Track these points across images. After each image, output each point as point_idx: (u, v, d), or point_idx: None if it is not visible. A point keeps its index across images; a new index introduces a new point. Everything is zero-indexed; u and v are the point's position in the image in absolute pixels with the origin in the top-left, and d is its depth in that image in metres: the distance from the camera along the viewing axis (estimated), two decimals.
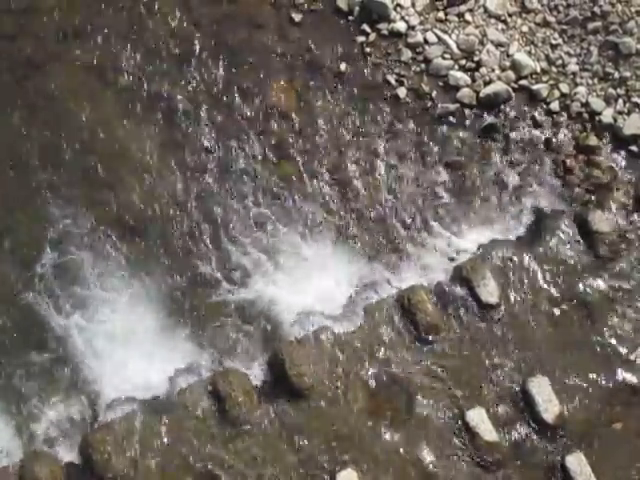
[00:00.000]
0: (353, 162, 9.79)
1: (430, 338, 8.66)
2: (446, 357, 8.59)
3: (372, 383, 8.42)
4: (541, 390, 8.42)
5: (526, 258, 9.11)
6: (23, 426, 8.21)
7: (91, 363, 8.53)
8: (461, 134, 9.97)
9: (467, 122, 10.03)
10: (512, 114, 10.04)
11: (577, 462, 8.15)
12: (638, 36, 10.08)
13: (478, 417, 8.28)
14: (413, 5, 10.49)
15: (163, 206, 9.35)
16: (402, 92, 10.13)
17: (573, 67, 10.11)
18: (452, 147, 9.91)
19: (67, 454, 8.03)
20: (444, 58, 10.24)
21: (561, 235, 9.25)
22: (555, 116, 9.99)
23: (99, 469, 7.81)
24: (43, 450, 8.02)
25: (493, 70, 10.11)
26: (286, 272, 9.09)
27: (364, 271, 9.15)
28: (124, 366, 8.45)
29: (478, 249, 9.29)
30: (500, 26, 10.34)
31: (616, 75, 9.98)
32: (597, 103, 9.94)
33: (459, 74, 10.14)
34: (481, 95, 10.05)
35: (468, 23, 10.36)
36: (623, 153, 9.78)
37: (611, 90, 9.96)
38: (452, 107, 10.06)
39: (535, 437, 8.35)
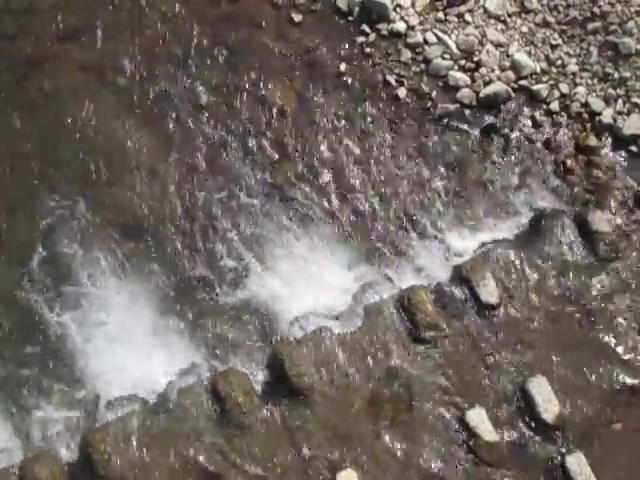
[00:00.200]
0: (353, 162, 9.80)
1: (430, 338, 8.65)
2: (446, 357, 8.59)
3: (372, 383, 8.42)
4: (541, 390, 8.41)
5: (526, 258, 9.10)
6: (22, 427, 8.21)
7: (90, 363, 8.53)
8: (461, 134, 9.98)
9: (467, 122, 10.03)
10: (512, 114, 10.04)
11: (577, 462, 8.14)
12: (638, 36, 10.08)
13: (478, 417, 8.27)
14: (413, 5, 10.50)
15: (162, 206, 9.36)
16: (402, 92, 10.13)
17: (573, 67, 10.11)
18: (452, 147, 9.91)
19: (67, 454, 8.03)
20: (444, 58, 10.24)
21: (561, 235, 9.25)
22: (555, 116, 10.00)
23: (99, 469, 7.80)
24: (43, 450, 8.01)
25: (493, 70, 10.12)
26: (286, 272, 9.09)
27: (364, 271, 9.15)
28: (124, 366, 8.44)
29: (478, 249, 9.29)
30: (500, 26, 10.34)
31: (616, 75, 9.99)
32: (597, 103, 9.94)
33: (459, 74, 10.14)
34: (481, 95, 10.05)
35: (468, 23, 10.36)
36: (623, 153, 9.78)
37: (611, 90, 9.96)
38: (452, 107, 10.06)
39: (535, 437, 8.34)
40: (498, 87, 10.04)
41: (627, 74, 9.97)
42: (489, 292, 8.86)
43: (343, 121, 10.00)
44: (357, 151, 9.85)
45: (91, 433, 8.00)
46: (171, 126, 9.84)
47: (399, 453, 8.13)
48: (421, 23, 10.39)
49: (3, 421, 8.18)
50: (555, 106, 10.02)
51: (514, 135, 9.96)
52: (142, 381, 8.41)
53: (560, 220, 9.36)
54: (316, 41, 10.41)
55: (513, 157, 9.89)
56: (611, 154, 9.81)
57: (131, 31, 10.36)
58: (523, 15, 10.42)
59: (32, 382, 8.42)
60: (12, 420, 8.20)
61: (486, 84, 10.08)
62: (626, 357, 8.73)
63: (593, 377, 8.62)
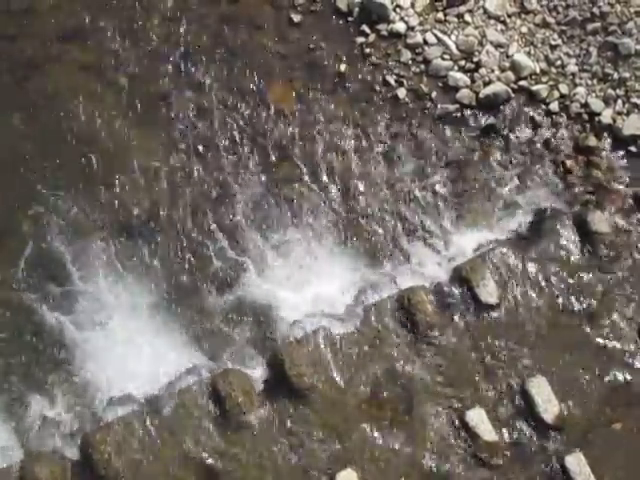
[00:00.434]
0: (353, 163, 9.80)
1: (430, 338, 8.66)
2: (446, 357, 8.59)
3: (372, 383, 8.42)
4: (541, 390, 8.42)
5: (526, 258, 9.11)
6: (23, 426, 8.22)
7: (91, 363, 8.54)
8: (461, 135, 9.98)
9: (467, 123, 10.03)
10: (511, 115, 10.04)
11: (577, 462, 8.16)
12: (637, 37, 10.08)
13: (478, 417, 8.28)
14: (412, 6, 10.50)
15: (163, 207, 9.37)
16: (402, 93, 10.14)
17: (572, 68, 10.12)
18: (452, 147, 9.91)
19: (67, 454, 8.04)
20: (443, 59, 10.24)
21: (560, 235, 9.25)
22: (554, 117, 10.00)
23: (99, 469, 7.82)
24: (43, 450, 8.03)
25: (492, 71, 10.12)
26: (286, 272, 9.10)
27: (364, 271, 9.16)
28: (124, 366, 8.46)
29: (477, 249, 9.30)
30: (499, 27, 10.35)
31: (615, 76, 10.00)
32: (596, 104, 9.95)
33: (458, 75, 10.15)
34: (480, 96, 10.06)
35: (467, 24, 10.36)
36: (622, 153, 9.79)
37: (610, 91, 9.97)
38: (452, 108, 10.07)
39: (534, 437, 8.35)
40: (498, 87, 10.04)
41: (626, 74, 9.98)
42: (489, 292, 8.86)
43: (343, 121, 10.00)
44: (356, 151, 9.85)
45: (91, 433, 8.01)
46: (170, 126, 9.85)
47: (399, 453, 8.14)
48: (421, 24, 10.40)
49: (3, 421, 8.18)
50: (555, 106, 10.03)
51: (514, 135, 9.97)
52: (142, 381, 8.41)
53: (560, 220, 9.36)
54: (316, 41, 10.41)
55: (513, 157, 9.89)
56: (611, 154, 9.81)
57: (131, 32, 10.36)
58: (523, 16, 10.43)
59: (32, 382, 8.42)
60: (12, 420, 8.21)
61: (486, 84, 10.08)
62: (625, 357, 8.73)
63: (593, 377, 8.62)
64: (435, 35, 10.31)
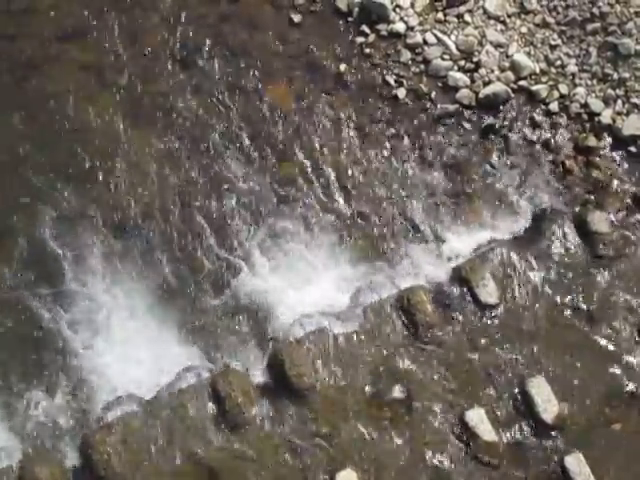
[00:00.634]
0: (353, 163, 9.80)
1: (429, 338, 8.66)
2: (445, 357, 8.59)
3: (371, 383, 8.42)
4: (540, 390, 8.42)
5: (525, 258, 9.11)
6: (22, 427, 8.21)
7: (90, 364, 8.53)
8: (460, 135, 9.98)
9: (466, 123, 10.03)
10: (511, 115, 10.04)
11: (576, 462, 8.15)
12: (637, 37, 10.09)
13: (477, 417, 8.28)
14: (412, 6, 10.51)
15: (163, 206, 9.36)
16: (401, 93, 10.14)
17: (572, 68, 10.12)
18: (451, 148, 9.91)
19: (67, 455, 8.04)
20: (443, 59, 10.25)
21: (560, 235, 9.26)
22: (554, 117, 10.00)
23: (99, 469, 7.81)
24: (43, 450, 8.02)
25: (492, 71, 10.12)
26: (286, 272, 9.10)
27: (364, 271, 9.15)
28: (124, 366, 8.45)
29: (477, 249, 9.29)
30: (499, 27, 10.35)
31: (615, 76, 10.00)
32: (596, 104, 9.95)
33: (458, 75, 10.15)
34: (480, 96, 10.06)
35: (467, 24, 10.37)
36: (622, 154, 9.79)
37: (610, 91, 9.97)
38: (451, 108, 10.07)
39: (534, 437, 8.35)
40: (497, 87, 10.05)
41: (626, 75, 9.98)
42: (488, 292, 8.87)
43: (342, 121, 10.00)
44: (356, 151, 9.85)
45: (91, 433, 8.00)
46: (170, 126, 9.85)
47: (398, 453, 8.14)
48: (421, 24, 10.40)
49: (3, 421, 8.18)
50: (554, 107, 10.03)
51: (513, 135, 9.97)
52: (142, 381, 8.40)
53: (559, 220, 9.37)
54: (316, 42, 10.42)
55: (512, 158, 9.89)
56: (610, 155, 9.81)
57: (130, 32, 10.36)
58: (522, 16, 10.43)
59: (31, 382, 8.41)
60: (12, 420, 8.20)
61: (485, 84, 10.09)
62: (625, 357, 8.73)
63: (592, 377, 8.62)
64: (435, 35, 10.32)
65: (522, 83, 10.10)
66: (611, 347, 8.77)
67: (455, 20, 10.41)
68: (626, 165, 9.76)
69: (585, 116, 9.96)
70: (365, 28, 10.46)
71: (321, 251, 9.24)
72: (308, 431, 8.15)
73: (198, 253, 9.16)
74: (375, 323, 8.70)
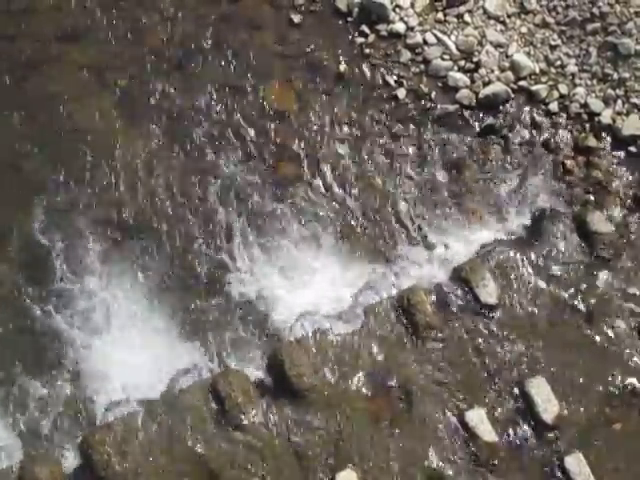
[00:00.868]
0: (352, 163, 9.81)
1: (429, 338, 8.65)
2: (445, 358, 8.59)
3: (372, 384, 8.42)
4: (540, 390, 8.41)
5: (525, 259, 9.11)
6: (22, 427, 8.21)
7: (90, 364, 8.53)
8: (460, 135, 9.98)
9: (466, 123, 10.04)
10: (511, 115, 10.05)
11: (576, 462, 8.14)
12: (637, 37, 10.08)
13: (477, 417, 8.27)
14: (412, 6, 10.51)
15: (163, 206, 9.37)
16: (401, 93, 10.14)
17: (572, 68, 10.12)
18: (451, 148, 9.92)
19: (67, 455, 8.04)
20: (443, 59, 10.25)
21: (560, 235, 9.26)
22: (554, 117, 10.00)
23: (99, 470, 7.80)
24: (43, 451, 8.03)
25: (492, 71, 10.12)
26: (286, 273, 9.10)
27: (364, 272, 9.15)
28: (124, 366, 8.45)
29: (477, 249, 9.30)
30: (499, 27, 10.36)
31: (615, 76, 10.00)
32: (596, 104, 9.95)
33: (458, 75, 10.15)
34: (480, 96, 10.06)
35: (467, 24, 10.37)
36: (622, 154, 9.80)
37: (610, 91, 9.97)
38: (451, 108, 10.07)
39: (534, 437, 8.34)
40: (497, 88, 10.05)
41: (626, 75, 9.98)
42: (488, 293, 8.86)
43: (343, 122, 10.00)
44: (356, 152, 9.85)
45: (91, 434, 7.99)
46: (170, 127, 9.85)
47: (398, 453, 8.13)
48: (420, 24, 10.40)
49: (3, 421, 8.18)
50: (554, 107, 10.03)
51: (513, 136, 9.97)
52: (142, 381, 8.40)
53: (559, 221, 9.36)
54: (316, 42, 10.42)
55: (512, 158, 9.90)
56: (610, 155, 9.81)
57: (130, 32, 10.36)
58: (522, 16, 10.44)
59: (31, 382, 8.41)
60: (12, 420, 8.20)
61: (485, 85, 10.09)
62: (625, 357, 8.73)
63: (592, 377, 8.62)
64: (435, 35, 10.32)
65: (522, 83, 10.11)
66: (611, 347, 8.77)
67: (455, 20, 10.41)
68: (626, 165, 9.76)
69: (585, 116, 9.96)
70: (365, 28, 10.46)
71: (321, 251, 9.24)
72: (308, 431, 8.15)
73: (198, 253, 9.16)
74: (375, 323, 8.70)
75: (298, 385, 8.26)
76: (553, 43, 10.27)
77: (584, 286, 9.03)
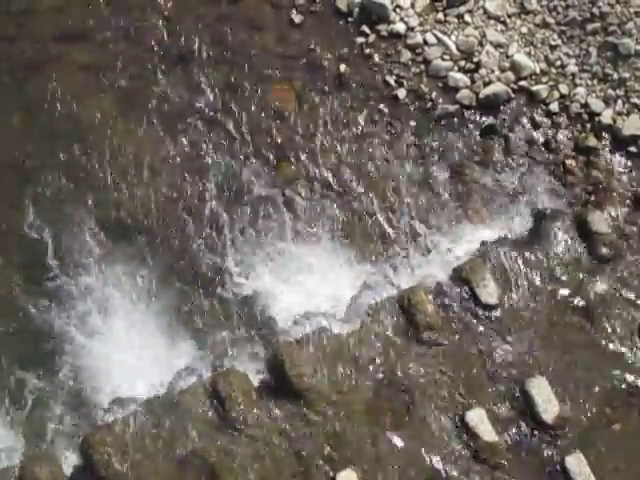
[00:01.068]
0: (353, 163, 9.81)
1: (430, 339, 8.65)
2: (446, 358, 8.59)
3: (372, 384, 8.41)
4: (541, 391, 8.41)
5: (526, 259, 9.11)
6: (23, 427, 8.21)
7: (90, 364, 8.53)
8: (461, 135, 9.98)
9: (467, 123, 10.04)
10: (511, 115, 10.05)
11: (577, 462, 8.14)
12: (637, 37, 10.08)
13: (478, 418, 8.27)
14: (412, 6, 10.50)
15: (162, 206, 9.37)
16: (402, 93, 10.14)
17: (572, 68, 10.12)
18: (452, 148, 9.92)
19: (67, 455, 8.03)
20: (443, 59, 10.25)
21: (561, 236, 9.25)
22: (554, 117, 10.00)
23: (99, 469, 7.80)
24: (43, 451, 8.03)
25: (492, 71, 10.12)
26: (286, 273, 9.10)
27: (364, 272, 9.15)
28: (123, 366, 8.45)
29: (478, 250, 9.29)
30: (499, 27, 10.35)
31: (615, 76, 9.99)
32: (596, 104, 9.95)
33: (458, 75, 10.15)
34: (480, 96, 10.06)
35: (467, 24, 10.37)
36: (622, 154, 9.79)
37: (610, 91, 9.97)
38: (452, 108, 10.07)
39: (535, 437, 8.34)
40: (498, 88, 10.04)
41: (626, 75, 9.98)
42: (489, 293, 8.86)
43: (343, 122, 10.00)
44: (357, 152, 9.85)
45: (92, 434, 7.99)
46: (171, 127, 9.85)
47: (399, 454, 8.13)
48: (421, 24, 10.40)
49: (3, 422, 8.18)
50: (555, 107, 10.03)
51: (514, 136, 9.97)
52: (142, 382, 8.40)
53: (560, 221, 9.36)
54: (316, 42, 10.42)
55: (513, 158, 9.90)
56: (611, 155, 9.81)
57: (131, 32, 10.36)
58: (523, 16, 10.43)
59: (32, 382, 8.41)
60: (12, 420, 8.20)
61: (486, 85, 10.09)
62: (626, 357, 8.73)
63: (593, 378, 8.62)
64: (435, 35, 10.31)
65: (522, 83, 10.10)
66: (612, 347, 8.77)
67: (455, 20, 10.40)
68: (627, 165, 9.76)
69: (585, 116, 9.96)
70: (365, 28, 10.46)
71: (321, 251, 9.24)
72: (308, 431, 8.14)
73: (198, 252, 9.16)
74: (375, 323, 8.69)
75: (298, 385, 8.25)
76: (553, 43, 10.27)
77: (584, 286, 9.02)
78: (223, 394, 8.16)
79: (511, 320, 8.82)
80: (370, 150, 9.87)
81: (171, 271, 9.05)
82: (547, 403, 8.35)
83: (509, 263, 9.08)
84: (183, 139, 9.78)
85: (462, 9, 10.44)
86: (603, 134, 9.85)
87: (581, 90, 10.03)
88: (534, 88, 10.08)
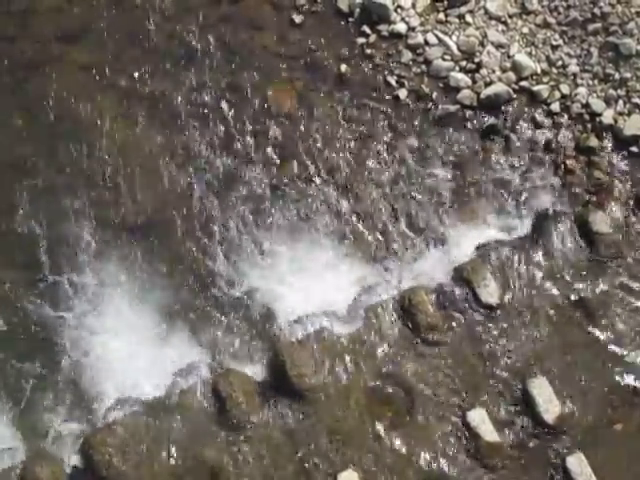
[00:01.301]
0: (354, 163, 9.80)
1: (430, 339, 8.66)
2: (446, 358, 8.59)
3: (373, 384, 8.42)
4: (542, 391, 8.41)
5: (526, 259, 9.11)
6: (24, 427, 8.20)
7: (92, 364, 8.53)
8: (462, 135, 9.98)
9: (468, 123, 10.03)
10: (513, 115, 10.04)
11: (578, 463, 8.14)
12: (638, 37, 10.09)
13: (479, 417, 8.27)
14: (413, 6, 10.51)
15: (164, 207, 9.37)
16: (403, 93, 10.14)
17: (573, 68, 10.12)
18: (453, 148, 9.91)
19: (68, 455, 8.03)
20: (444, 59, 10.25)
21: (562, 236, 9.25)
22: (556, 117, 10.00)
23: (100, 470, 7.81)
24: (44, 451, 8.02)
25: (494, 71, 10.12)
26: (287, 273, 9.09)
27: (365, 272, 9.15)
28: (125, 366, 8.45)
29: (479, 250, 9.29)
30: (500, 27, 10.36)
31: (616, 76, 9.99)
32: (597, 104, 9.95)
33: (460, 75, 10.15)
34: (482, 96, 10.06)
35: (468, 24, 10.37)
36: (623, 154, 9.79)
37: (611, 91, 9.96)
38: (453, 108, 10.07)
39: (536, 437, 8.34)
40: (499, 88, 10.04)
41: (628, 75, 9.98)
42: (489, 293, 8.86)
43: (344, 122, 10.00)
44: (358, 152, 9.85)
45: (93, 434, 8.00)
46: (171, 127, 9.85)
47: (400, 453, 8.13)
48: (422, 24, 10.40)
49: (5, 421, 8.17)
50: (556, 107, 10.03)
51: (515, 136, 9.96)
52: (143, 382, 8.40)
53: (561, 221, 9.36)
54: (317, 42, 10.42)
55: (514, 158, 9.89)
56: (612, 155, 9.80)
57: (131, 32, 10.36)
58: (524, 16, 10.44)
59: (31, 382, 8.40)
60: (14, 420, 8.20)
61: (487, 85, 10.09)
62: (626, 357, 8.73)
63: (594, 377, 8.62)
64: (436, 36, 10.32)
65: (523, 83, 10.10)
66: (612, 347, 8.77)
67: (456, 21, 10.41)
68: (627, 165, 9.76)
69: (586, 116, 9.96)
70: (366, 29, 10.46)
71: (322, 251, 9.23)
72: (309, 431, 8.14)
73: (199, 253, 9.15)
74: (376, 323, 8.70)
75: (299, 385, 8.26)
76: (554, 43, 10.27)
77: (585, 286, 9.02)
78: (224, 394, 8.17)
79: (512, 320, 8.82)
80: (371, 150, 9.87)
81: (172, 271, 9.04)
82: (548, 403, 8.36)
83: (510, 263, 9.09)
84: (183, 139, 9.78)
85: (463, 9, 10.45)
86: (604, 134, 9.85)
87: (582, 90, 10.03)
88: (535, 88, 10.07)
